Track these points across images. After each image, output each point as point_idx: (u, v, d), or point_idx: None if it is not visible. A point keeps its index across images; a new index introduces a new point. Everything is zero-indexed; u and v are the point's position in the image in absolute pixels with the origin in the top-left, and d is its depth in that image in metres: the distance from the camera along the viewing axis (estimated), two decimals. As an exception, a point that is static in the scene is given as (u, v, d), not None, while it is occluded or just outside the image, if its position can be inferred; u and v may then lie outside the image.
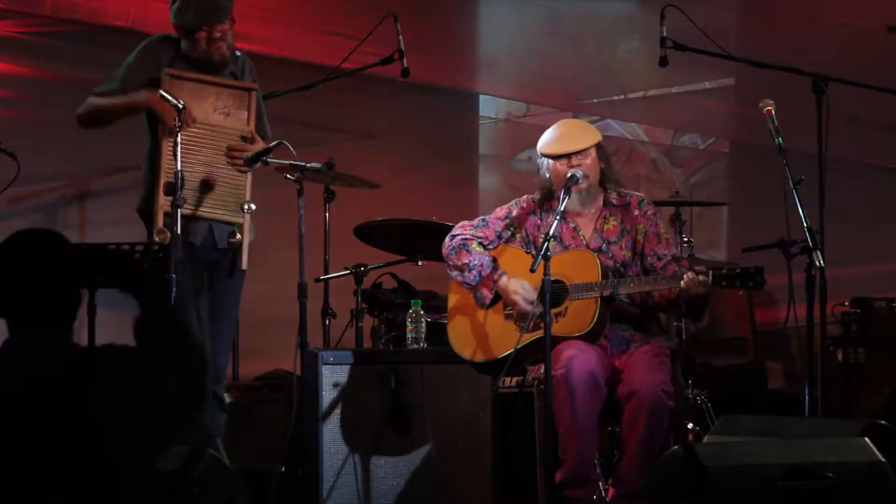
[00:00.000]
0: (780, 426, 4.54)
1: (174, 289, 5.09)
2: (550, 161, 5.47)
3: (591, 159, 5.44)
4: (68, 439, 3.16)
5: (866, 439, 4.14)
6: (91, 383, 3.19)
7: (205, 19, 5.41)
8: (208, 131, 5.49)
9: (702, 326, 6.26)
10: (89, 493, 3.16)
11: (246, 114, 5.53)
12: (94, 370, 3.22)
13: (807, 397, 5.19)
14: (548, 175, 5.48)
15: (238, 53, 5.61)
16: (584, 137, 5.47)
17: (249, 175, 5.52)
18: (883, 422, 4.45)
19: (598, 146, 5.49)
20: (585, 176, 5.41)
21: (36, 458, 3.16)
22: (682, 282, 5.15)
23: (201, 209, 5.46)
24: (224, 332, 5.59)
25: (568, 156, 5.42)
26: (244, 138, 5.50)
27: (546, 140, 5.50)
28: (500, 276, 5.42)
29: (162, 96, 5.29)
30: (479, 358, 5.46)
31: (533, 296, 5.31)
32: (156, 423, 3.25)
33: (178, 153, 5.26)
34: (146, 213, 5.47)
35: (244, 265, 5.48)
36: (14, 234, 3.36)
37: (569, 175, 5.35)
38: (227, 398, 5.75)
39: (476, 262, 5.46)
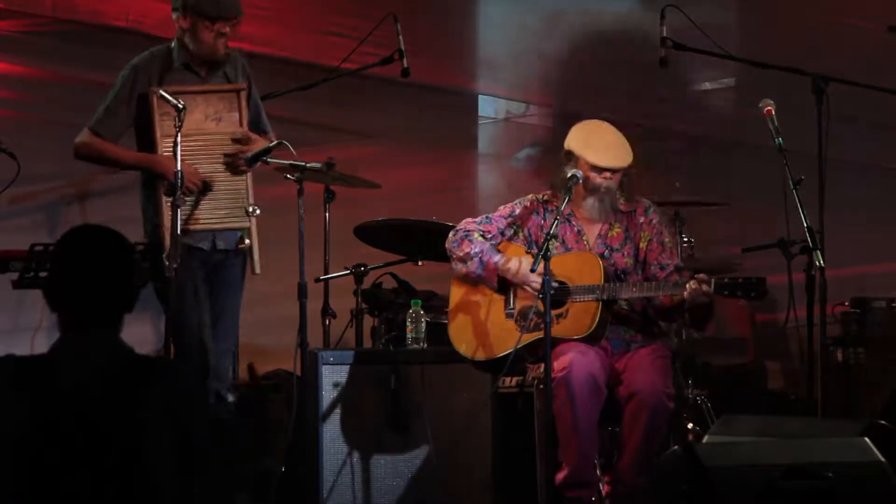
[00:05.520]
0: (780, 426, 4.54)
1: (173, 287, 5.10)
2: (584, 162, 5.41)
3: (621, 174, 5.43)
4: (111, 444, 3.16)
5: (866, 439, 4.13)
6: (135, 389, 3.20)
7: (224, 12, 5.45)
8: (202, 141, 5.49)
9: (706, 335, 6.24)
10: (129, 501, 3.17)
11: (237, 115, 5.52)
12: (141, 378, 3.22)
13: (807, 397, 5.19)
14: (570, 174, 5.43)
15: (229, 53, 5.61)
16: (629, 154, 5.42)
17: (249, 178, 5.52)
18: (883, 422, 4.45)
19: None
20: (609, 189, 5.40)
21: (77, 461, 3.15)
22: (685, 292, 5.15)
23: (208, 222, 5.47)
24: (227, 332, 5.59)
25: (613, 170, 5.40)
26: (236, 140, 5.50)
27: (591, 145, 5.43)
28: (502, 259, 5.38)
29: (161, 96, 5.30)
30: (480, 356, 5.46)
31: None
32: (192, 440, 3.26)
33: (178, 153, 5.25)
34: (154, 240, 5.47)
35: (257, 269, 5.51)
36: (76, 229, 3.32)
37: (569, 175, 5.34)
38: (230, 398, 5.75)
39: (477, 250, 5.45)
